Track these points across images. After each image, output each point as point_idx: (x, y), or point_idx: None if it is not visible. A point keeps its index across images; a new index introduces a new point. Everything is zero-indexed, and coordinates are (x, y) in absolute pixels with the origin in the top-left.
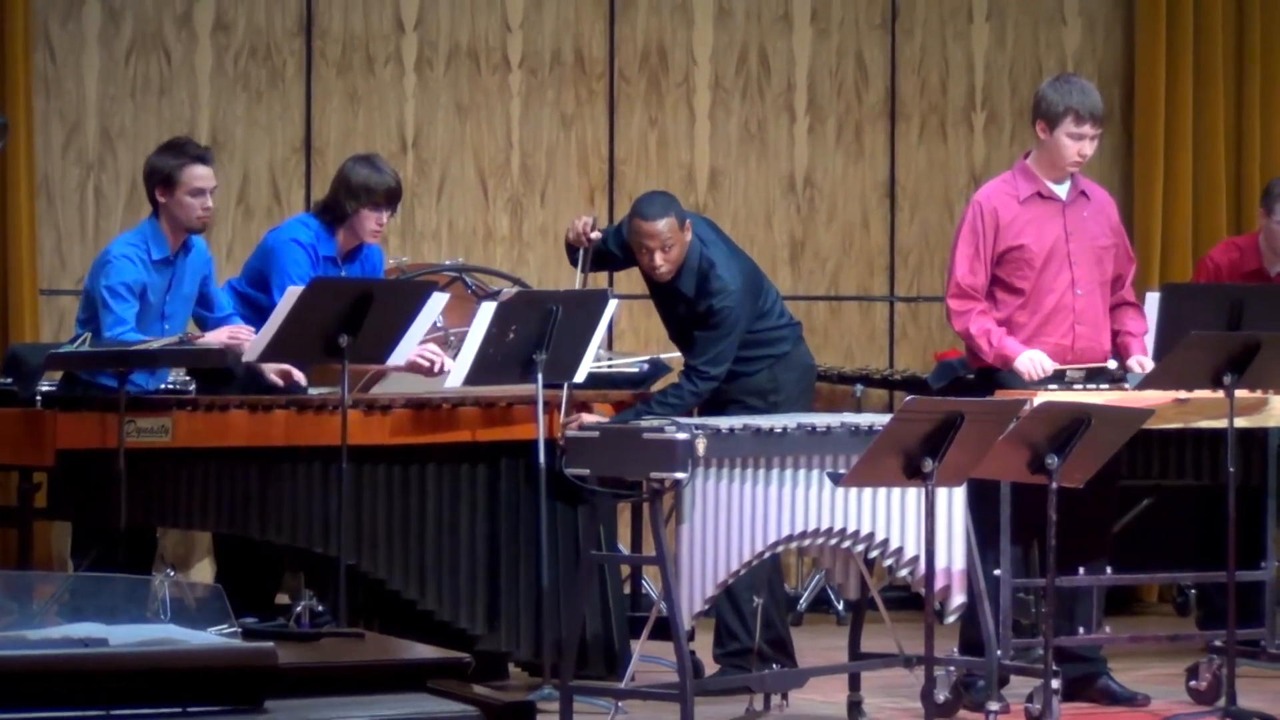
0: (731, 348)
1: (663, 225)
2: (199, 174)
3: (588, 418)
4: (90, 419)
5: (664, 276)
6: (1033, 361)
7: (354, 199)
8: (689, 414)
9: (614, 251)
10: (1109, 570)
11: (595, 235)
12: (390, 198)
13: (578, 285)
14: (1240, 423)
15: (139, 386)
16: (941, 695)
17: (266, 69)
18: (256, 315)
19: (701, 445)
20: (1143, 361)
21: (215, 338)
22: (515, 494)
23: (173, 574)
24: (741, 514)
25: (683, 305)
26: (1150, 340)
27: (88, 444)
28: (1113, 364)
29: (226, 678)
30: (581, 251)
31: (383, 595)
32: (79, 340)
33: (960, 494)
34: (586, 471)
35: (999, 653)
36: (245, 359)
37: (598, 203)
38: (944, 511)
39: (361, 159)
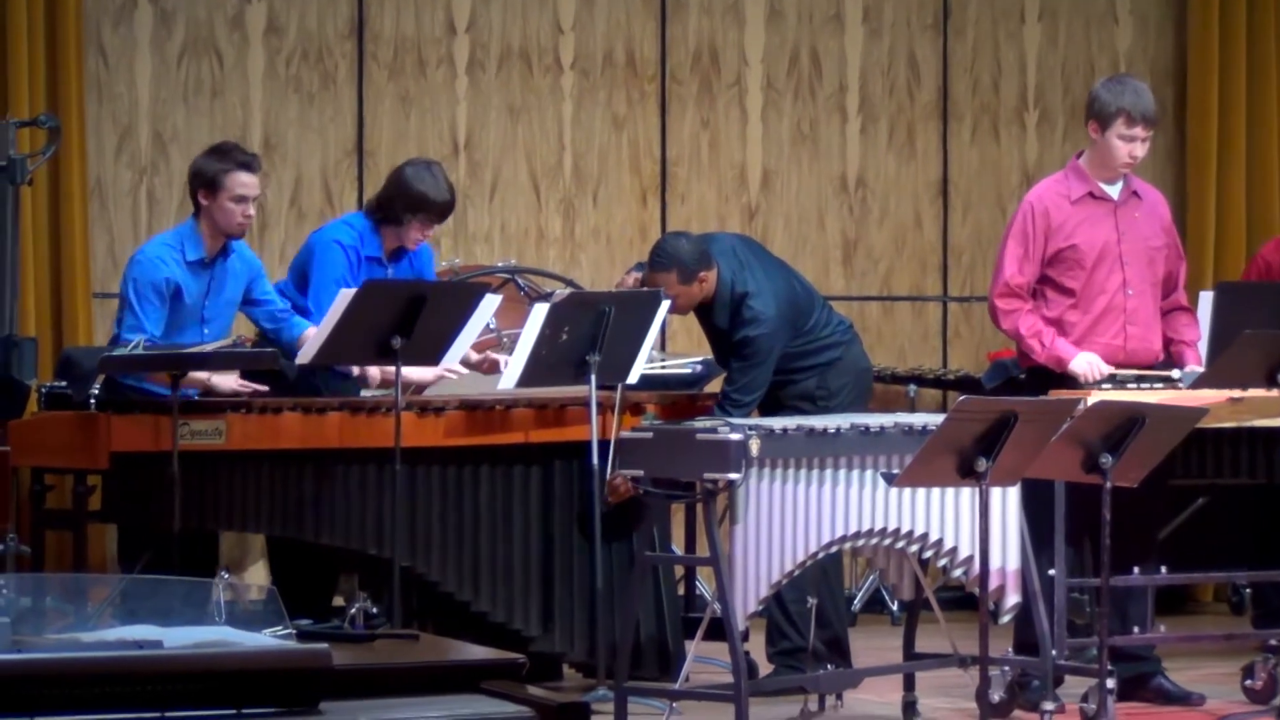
0: (764, 376)
1: (660, 279)
2: (243, 180)
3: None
4: (144, 422)
5: (674, 313)
6: (1090, 365)
7: (410, 210)
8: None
9: None
10: (1163, 570)
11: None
12: (443, 213)
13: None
14: None
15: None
16: (996, 695)
17: (318, 72)
18: (300, 316)
19: (755, 446)
20: (1195, 373)
21: (225, 384)
22: (569, 495)
23: (227, 576)
24: (795, 514)
25: (721, 334)
26: (1204, 339)
27: (142, 447)
28: (1176, 374)
29: (281, 679)
30: None
31: (437, 597)
32: (134, 344)
33: (1014, 493)
34: (640, 473)
35: (1054, 652)
36: (299, 361)
37: (650, 204)
38: (998, 511)
39: (423, 166)
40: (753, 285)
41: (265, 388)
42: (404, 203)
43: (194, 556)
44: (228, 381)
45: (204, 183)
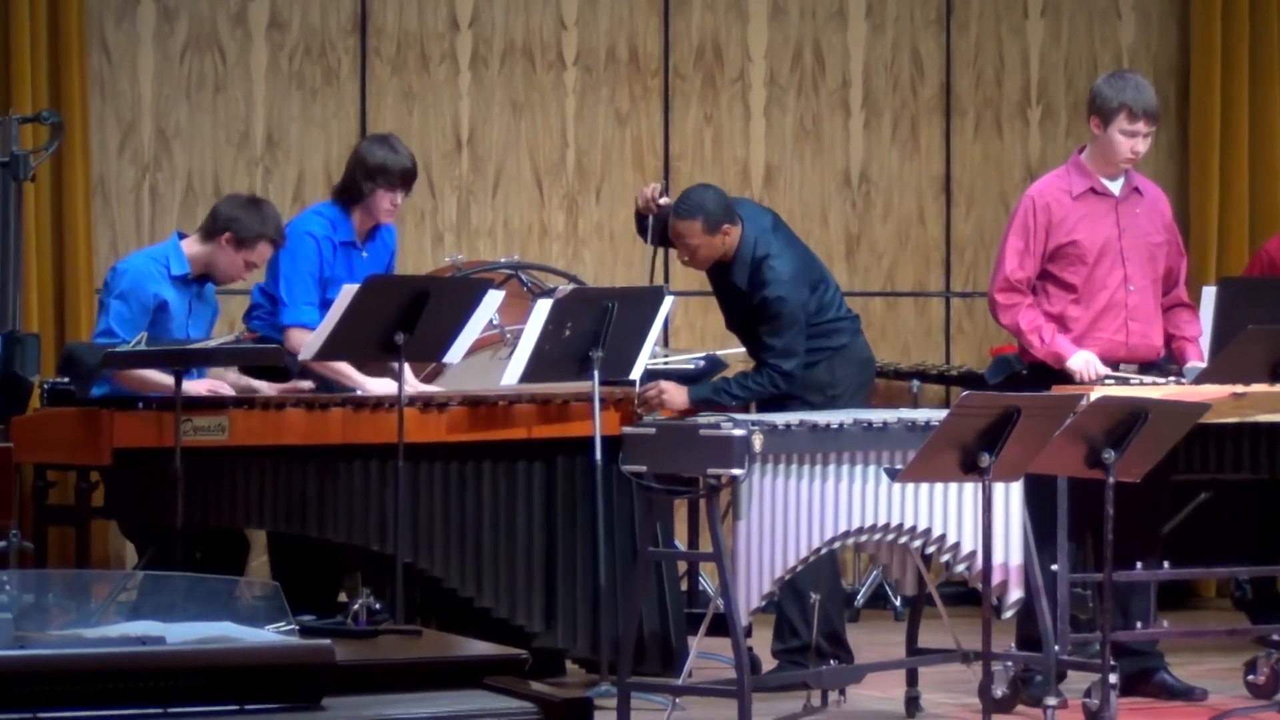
0: (798, 340)
1: (684, 228)
2: (266, 253)
3: (666, 384)
4: (147, 417)
5: (693, 266)
6: (1087, 364)
7: (370, 179)
8: (747, 409)
9: None
10: (1166, 565)
11: (664, 201)
12: (406, 178)
13: (652, 269)
14: None
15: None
16: (999, 690)
17: (321, 67)
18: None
19: (758, 441)
20: (1199, 368)
21: (196, 388)
22: (572, 491)
23: None
24: (798, 510)
25: (738, 296)
26: (1206, 335)
27: (144, 443)
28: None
29: (284, 675)
30: (651, 219)
31: (440, 592)
32: (136, 340)
33: (1017, 489)
34: (644, 468)
35: (1056, 648)
36: (302, 358)
37: None
38: (1001, 506)
39: (378, 139)
40: (775, 248)
41: (233, 392)
42: (364, 173)
43: (227, 554)
44: (196, 386)
45: (236, 233)
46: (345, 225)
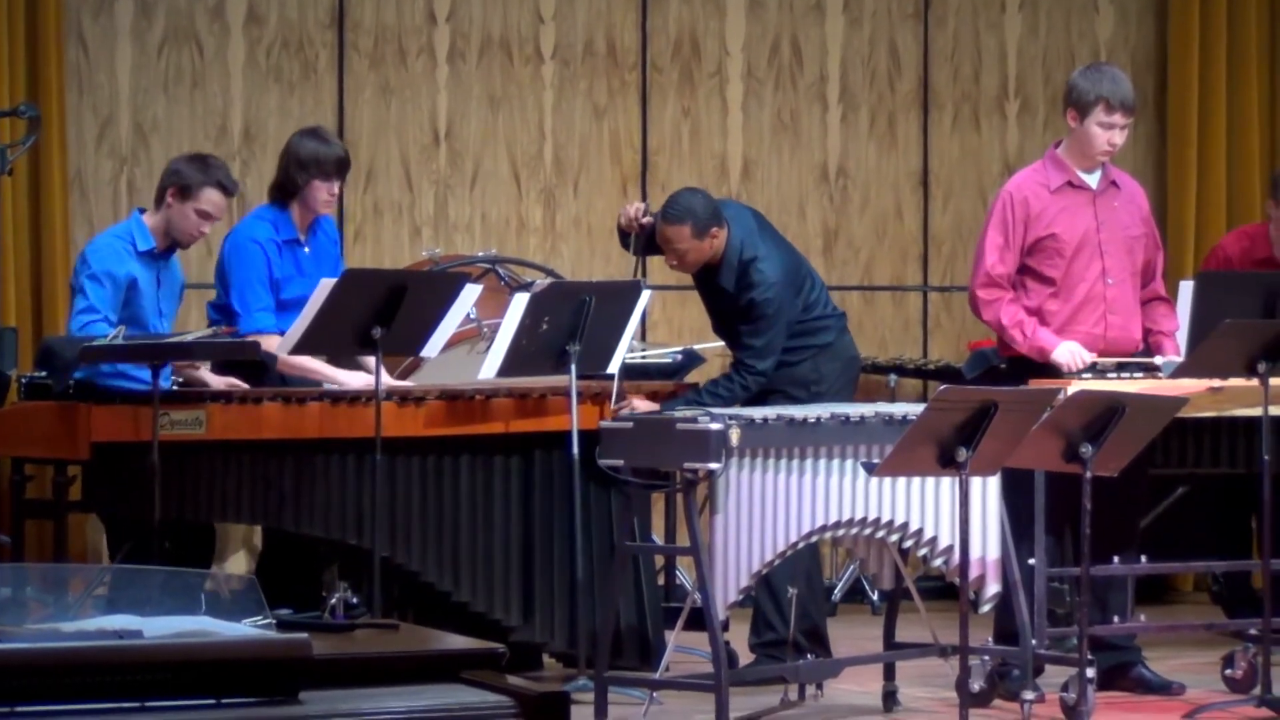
0: (777, 340)
1: (672, 233)
2: (214, 199)
3: (639, 402)
4: (124, 412)
5: (682, 270)
6: (1072, 354)
7: (304, 171)
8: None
9: None
10: (1143, 559)
11: (646, 220)
12: (340, 167)
13: (632, 264)
14: (1275, 411)
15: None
16: (976, 685)
17: (299, 61)
18: (231, 320)
19: (735, 435)
20: (1174, 362)
21: (216, 383)
22: (549, 485)
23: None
24: (775, 504)
25: (725, 299)
26: (1184, 329)
27: (122, 437)
28: (1158, 360)
29: (261, 669)
30: (633, 236)
31: (417, 586)
32: (114, 334)
33: (994, 483)
34: (621, 462)
35: (1034, 642)
36: (278, 352)
37: (630, 194)
38: (978, 501)
39: (307, 132)
40: (761, 250)
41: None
42: (297, 166)
43: (190, 550)
44: (217, 381)
45: (178, 184)
46: (286, 224)
